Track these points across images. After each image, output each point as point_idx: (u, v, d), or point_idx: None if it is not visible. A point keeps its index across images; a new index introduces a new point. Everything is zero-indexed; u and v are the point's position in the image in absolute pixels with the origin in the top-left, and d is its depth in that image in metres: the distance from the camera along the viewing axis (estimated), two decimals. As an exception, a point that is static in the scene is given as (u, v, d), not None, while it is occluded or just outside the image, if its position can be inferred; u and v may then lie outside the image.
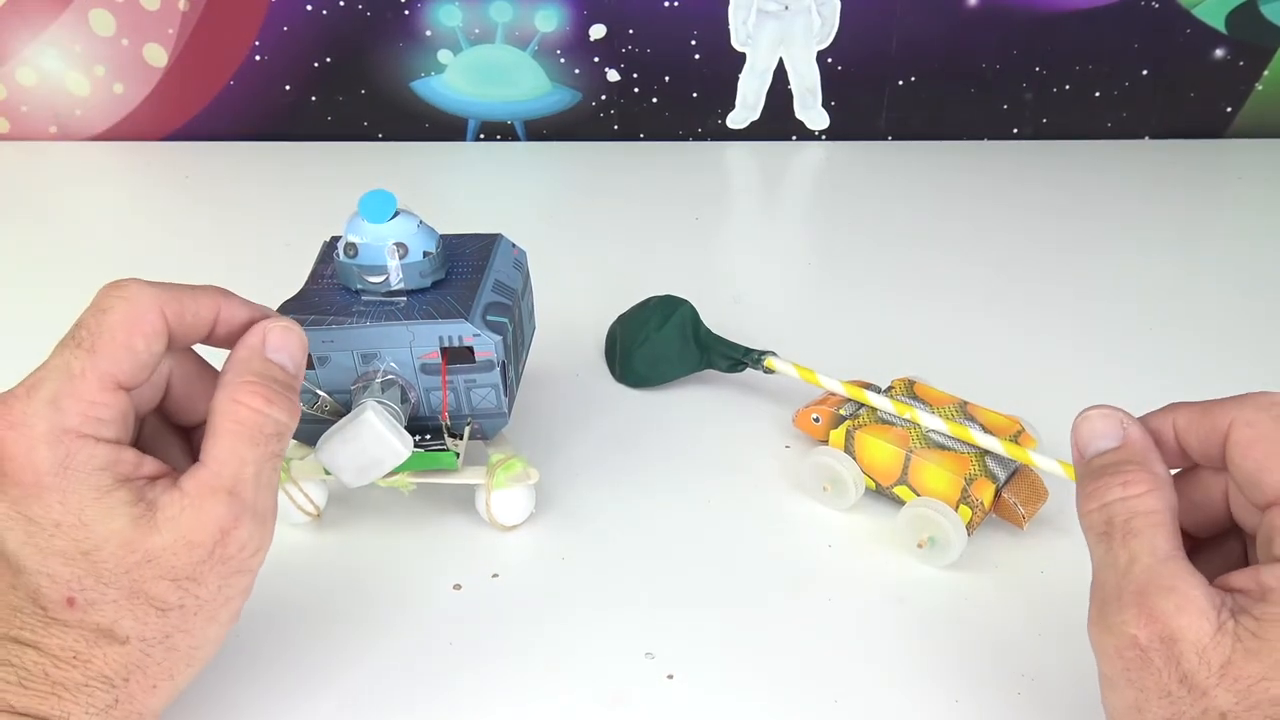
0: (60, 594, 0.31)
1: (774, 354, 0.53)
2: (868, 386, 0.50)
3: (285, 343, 0.35)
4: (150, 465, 0.33)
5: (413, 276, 0.44)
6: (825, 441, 0.49)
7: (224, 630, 0.34)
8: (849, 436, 0.48)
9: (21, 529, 0.31)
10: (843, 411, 0.49)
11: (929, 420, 0.47)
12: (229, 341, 0.36)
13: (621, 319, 0.58)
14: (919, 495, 0.46)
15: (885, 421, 0.48)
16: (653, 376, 0.56)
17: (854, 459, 0.48)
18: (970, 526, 0.45)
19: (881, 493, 0.48)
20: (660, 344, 0.56)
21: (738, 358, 0.54)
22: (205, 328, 0.35)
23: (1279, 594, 0.29)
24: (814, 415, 0.50)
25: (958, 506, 0.45)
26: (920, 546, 0.45)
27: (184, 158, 0.82)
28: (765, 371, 0.53)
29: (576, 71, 0.82)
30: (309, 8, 0.79)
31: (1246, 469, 0.31)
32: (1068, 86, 0.83)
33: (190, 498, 0.32)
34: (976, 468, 0.45)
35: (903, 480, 0.47)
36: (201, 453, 0.33)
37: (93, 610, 0.31)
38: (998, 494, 0.45)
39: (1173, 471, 0.34)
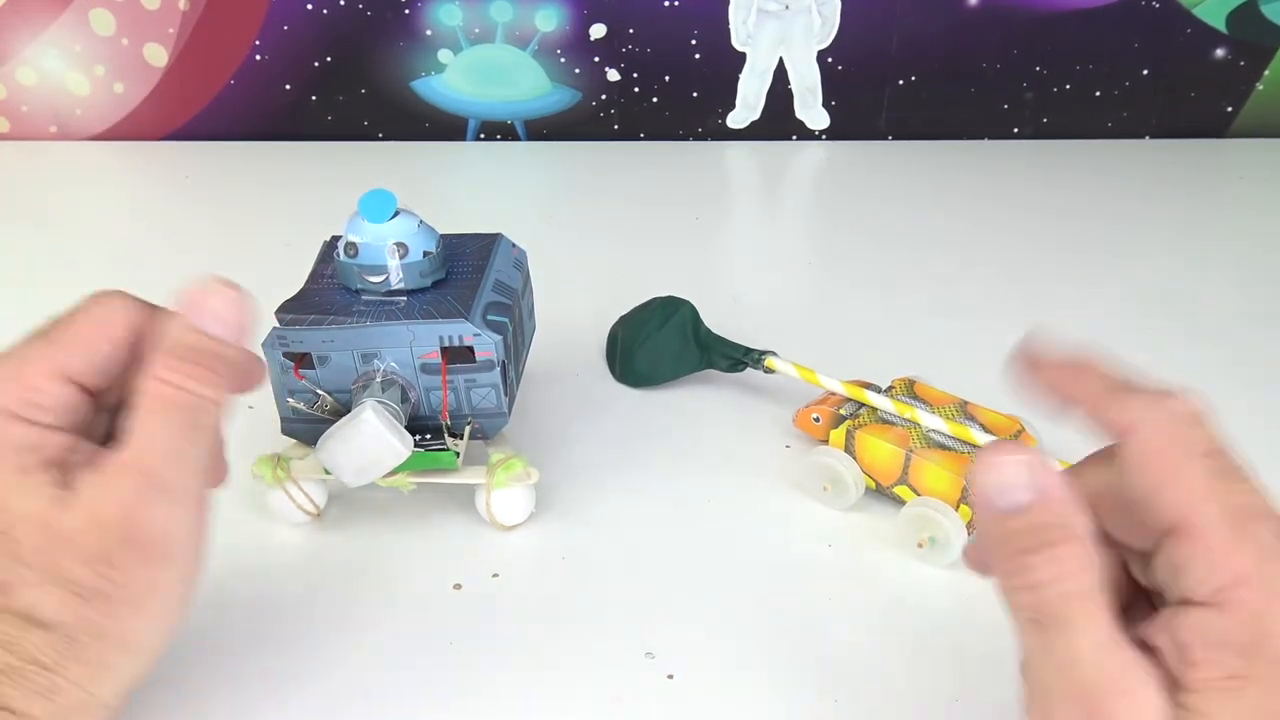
0: None
1: (774, 354, 0.53)
2: (868, 386, 0.50)
3: (214, 308, 0.33)
4: (86, 452, 0.32)
5: (413, 276, 0.43)
6: (825, 441, 0.49)
7: (159, 623, 0.32)
8: (849, 436, 0.48)
9: None
10: (843, 411, 0.49)
11: (929, 420, 0.47)
12: None
13: (623, 320, 0.58)
14: (919, 495, 0.46)
15: (886, 421, 0.48)
16: (653, 376, 0.56)
17: (854, 459, 0.48)
18: (971, 526, 0.44)
19: (882, 492, 0.48)
20: (661, 344, 0.56)
21: (738, 358, 0.54)
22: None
23: (1199, 652, 0.26)
24: (814, 415, 0.50)
25: (958, 506, 0.45)
26: (920, 546, 0.45)
27: (184, 158, 0.82)
28: (765, 371, 0.53)
29: (577, 71, 0.82)
30: (309, 7, 0.79)
31: (1143, 482, 0.28)
32: (1068, 86, 0.83)
33: (102, 476, 0.31)
34: (977, 467, 0.45)
35: (903, 480, 0.47)
36: (118, 431, 0.32)
37: (13, 593, 0.30)
38: (998, 494, 0.45)
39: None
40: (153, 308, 0.34)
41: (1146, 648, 0.27)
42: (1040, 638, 0.27)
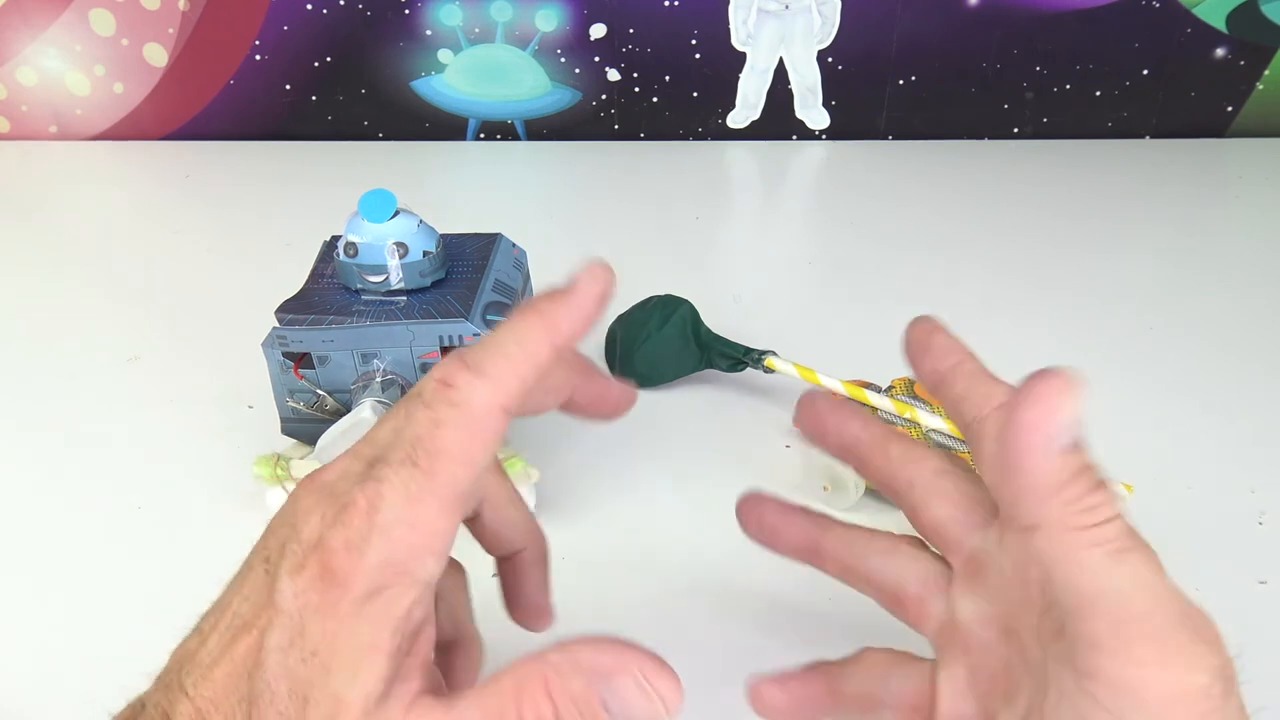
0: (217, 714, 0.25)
1: (774, 353, 0.53)
2: (868, 386, 0.50)
3: (639, 698, 0.26)
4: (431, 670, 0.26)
5: (413, 276, 0.44)
6: (825, 441, 0.49)
7: None
8: (849, 436, 0.48)
9: (289, 634, 0.24)
10: (843, 411, 0.49)
11: (929, 420, 0.47)
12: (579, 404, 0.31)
13: (621, 319, 0.58)
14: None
15: (886, 421, 0.48)
16: (653, 376, 0.56)
17: (854, 459, 0.48)
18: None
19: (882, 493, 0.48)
20: (660, 344, 0.55)
21: (738, 357, 0.54)
22: (551, 407, 0.30)
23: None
24: (814, 415, 0.50)
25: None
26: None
27: (184, 157, 0.82)
28: (765, 371, 0.53)
29: (577, 71, 0.82)
30: (309, 7, 0.79)
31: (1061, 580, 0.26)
32: (1068, 86, 0.83)
33: None
34: (977, 467, 0.45)
35: (903, 480, 0.47)
36: (476, 694, 0.25)
37: None
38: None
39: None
40: (520, 373, 0.26)
41: None
42: (1125, 565, 0.26)
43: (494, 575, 0.45)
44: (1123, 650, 0.25)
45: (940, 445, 0.46)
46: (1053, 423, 0.26)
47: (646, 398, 0.56)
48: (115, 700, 0.32)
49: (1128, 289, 0.66)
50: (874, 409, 0.49)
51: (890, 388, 0.50)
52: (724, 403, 0.55)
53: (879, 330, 0.63)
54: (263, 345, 0.44)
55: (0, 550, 0.46)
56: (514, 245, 0.49)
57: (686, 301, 0.57)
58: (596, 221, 0.75)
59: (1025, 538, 0.27)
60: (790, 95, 0.83)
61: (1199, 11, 0.80)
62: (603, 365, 0.58)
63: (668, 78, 0.82)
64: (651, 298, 0.58)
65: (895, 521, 0.46)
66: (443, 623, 0.31)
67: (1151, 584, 0.25)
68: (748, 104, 0.84)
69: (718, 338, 0.55)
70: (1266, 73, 0.82)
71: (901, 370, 0.52)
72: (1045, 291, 0.66)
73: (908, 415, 0.47)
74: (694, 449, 0.52)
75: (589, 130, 0.84)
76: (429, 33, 0.80)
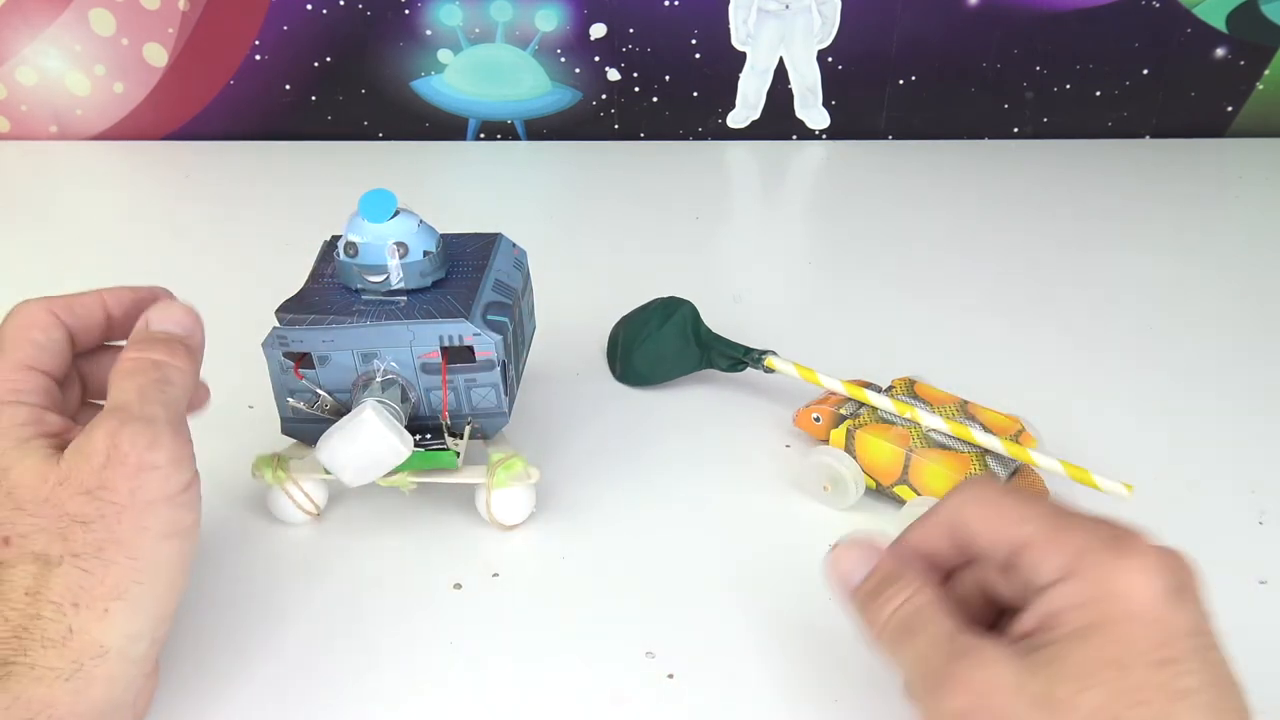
0: None
1: (774, 353, 0.53)
2: (868, 386, 0.50)
3: (167, 315, 0.39)
4: (76, 429, 0.36)
5: (413, 276, 0.43)
6: (826, 441, 0.49)
7: (163, 544, 0.35)
8: (849, 436, 0.48)
9: None
10: (843, 411, 0.49)
11: (930, 419, 0.47)
12: (129, 327, 0.40)
13: (623, 320, 0.58)
14: (919, 495, 0.46)
15: (886, 421, 0.48)
16: (653, 375, 0.56)
17: (854, 458, 0.48)
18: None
19: (882, 492, 0.48)
20: (661, 343, 0.56)
21: (738, 357, 0.54)
22: (98, 316, 0.40)
23: (1058, 615, 0.31)
24: (814, 414, 0.50)
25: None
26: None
27: (184, 158, 0.82)
28: (765, 371, 0.53)
29: (577, 71, 0.82)
30: (309, 7, 0.79)
31: (986, 533, 0.34)
32: (1068, 86, 0.83)
33: (86, 429, 0.35)
34: (977, 467, 0.45)
35: (903, 480, 0.47)
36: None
37: (26, 542, 0.34)
38: (998, 493, 0.45)
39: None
40: (61, 296, 0.40)
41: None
42: (903, 648, 0.34)
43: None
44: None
45: (940, 445, 0.46)
46: None
47: (647, 397, 0.56)
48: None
49: (1127, 289, 0.66)
50: (874, 408, 0.49)
51: (890, 387, 0.50)
52: (724, 403, 0.55)
53: (879, 330, 0.63)
54: (263, 345, 0.44)
55: None
56: (514, 245, 0.49)
57: (687, 302, 0.57)
58: (596, 221, 0.75)
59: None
60: (790, 95, 0.83)
61: (1199, 11, 0.80)
62: (604, 365, 0.58)
63: (668, 78, 0.82)
64: (653, 299, 0.58)
65: (892, 521, 0.46)
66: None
67: None
68: (748, 104, 0.84)
69: (718, 338, 0.56)
70: (1266, 73, 0.82)
71: (901, 369, 0.52)
72: (1045, 291, 0.66)
73: (908, 415, 0.47)
74: (694, 449, 0.52)
75: (589, 130, 0.84)
76: (429, 32, 0.80)
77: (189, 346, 0.39)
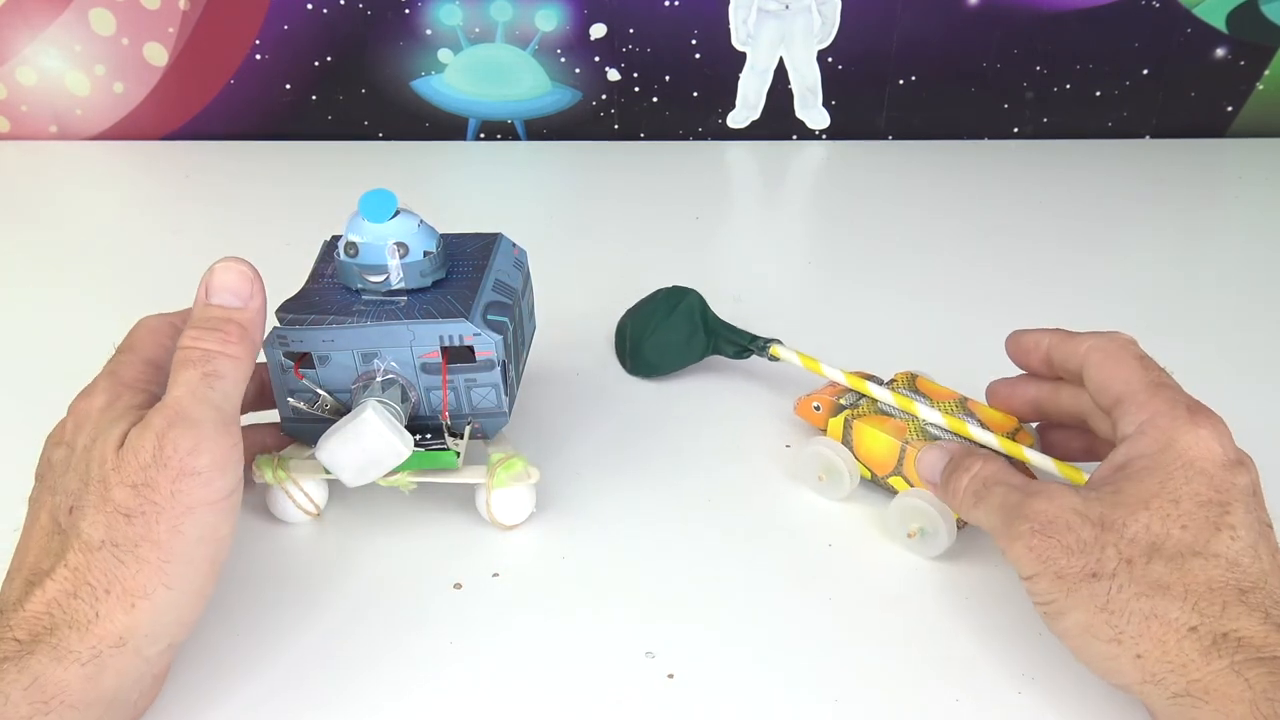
0: (67, 504, 0.36)
1: (779, 342, 0.53)
2: (870, 378, 0.50)
3: (223, 282, 0.39)
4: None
5: (413, 276, 0.43)
6: (825, 430, 0.49)
7: (196, 549, 0.36)
8: (847, 426, 0.48)
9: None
10: (843, 401, 0.50)
11: (927, 413, 0.47)
12: None
13: (630, 312, 0.58)
14: (913, 486, 0.46)
15: (884, 413, 0.48)
16: (663, 365, 0.56)
17: (851, 448, 0.48)
18: (962, 521, 0.45)
19: (877, 483, 0.48)
20: (669, 331, 0.56)
21: (744, 344, 0.54)
22: None
23: (1131, 461, 0.38)
24: (815, 403, 0.50)
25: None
26: (910, 537, 0.45)
27: (184, 157, 0.82)
28: (770, 359, 0.53)
29: (577, 71, 0.82)
30: (309, 7, 0.79)
31: (1097, 379, 0.41)
32: (1068, 86, 0.83)
33: (144, 420, 0.36)
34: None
35: (898, 471, 0.47)
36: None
37: (80, 516, 0.35)
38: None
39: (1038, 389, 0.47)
40: (182, 313, 0.42)
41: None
42: (982, 504, 0.40)
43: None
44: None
45: (936, 439, 0.46)
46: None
47: (647, 397, 0.56)
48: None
49: (1127, 289, 0.66)
50: (874, 400, 0.49)
51: (892, 381, 0.50)
52: (724, 402, 0.55)
53: (879, 330, 0.63)
54: (263, 345, 0.44)
55: (0, 551, 0.46)
56: (514, 245, 0.49)
57: (693, 290, 0.57)
58: (596, 221, 0.75)
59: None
60: (790, 95, 0.83)
61: (1199, 11, 0.80)
62: (605, 364, 0.58)
63: (668, 78, 0.82)
64: (658, 290, 0.58)
65: (885, 510, 0.46)
66: None
67: None
68: (748, 104, 0.84)
69: (725, 324, 0.56)
70: (1266, 73, 0.82)
71: (900, 368, 0.52)
72: (1045, 291, 0.66)
73: (906, 409, 0.48)
74: (694, 449, 0.52)
75: (589, 130, 0.84)
76: (429, 32, 0.80)
77: (242, 325, 0.39)
